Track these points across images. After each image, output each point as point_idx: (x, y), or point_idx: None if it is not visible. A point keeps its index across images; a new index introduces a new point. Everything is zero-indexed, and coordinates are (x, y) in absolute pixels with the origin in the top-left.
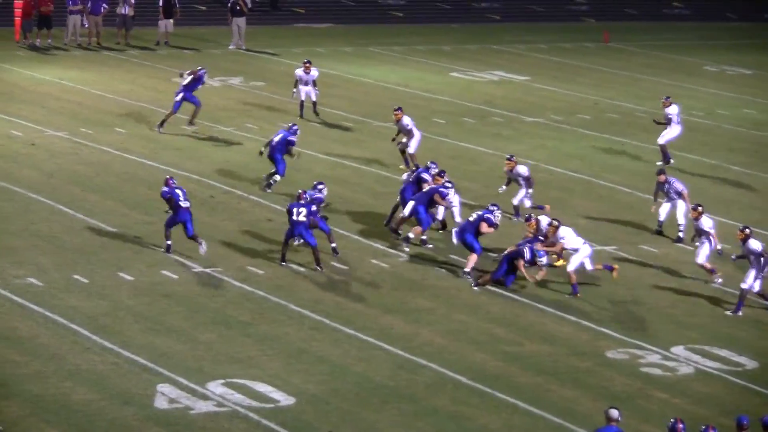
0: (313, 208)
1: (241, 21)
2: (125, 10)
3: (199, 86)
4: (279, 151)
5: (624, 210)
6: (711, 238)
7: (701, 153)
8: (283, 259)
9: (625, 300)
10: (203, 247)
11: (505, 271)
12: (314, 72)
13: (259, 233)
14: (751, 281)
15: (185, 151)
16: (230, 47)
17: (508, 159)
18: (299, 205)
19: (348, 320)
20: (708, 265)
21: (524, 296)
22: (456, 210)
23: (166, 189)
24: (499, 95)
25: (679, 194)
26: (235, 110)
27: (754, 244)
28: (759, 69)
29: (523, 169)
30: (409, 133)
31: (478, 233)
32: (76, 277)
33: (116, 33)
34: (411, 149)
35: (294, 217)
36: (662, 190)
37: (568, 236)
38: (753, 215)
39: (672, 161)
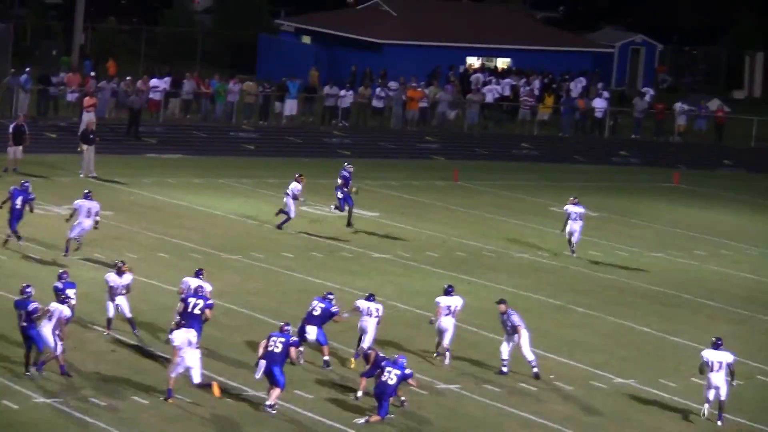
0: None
1: (91, 149)
2: None
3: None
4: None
5: (469, 348)
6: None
7: (546, 293)
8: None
9: None
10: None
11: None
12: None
13: (102, 362)
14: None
15: (27, 280)
16: (80, 175)
17: None
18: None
19: None
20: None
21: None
22: None
23: None
24: (348, 230)
25: (515, 329)
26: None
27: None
28: (604, 211)
29: None
30: None
31: (285, 361)
32: None
33: None
34: None
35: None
36: (501, 322)
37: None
38: (597, 357)
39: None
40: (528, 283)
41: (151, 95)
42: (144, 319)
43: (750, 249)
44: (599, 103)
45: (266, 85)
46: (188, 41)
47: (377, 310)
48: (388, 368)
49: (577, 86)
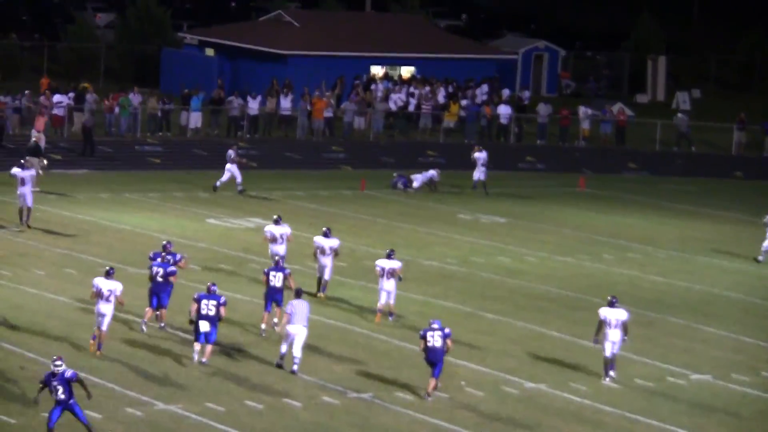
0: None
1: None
2: None
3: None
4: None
5: (380, 357)
6: None
7: (456, 300)
8: None
9: None
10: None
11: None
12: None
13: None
14: None
15: None
16: None
17: None
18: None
19: None
20: None
21: None
22: None
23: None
24: (256, 242)
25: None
26: None
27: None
28: (512, 217)
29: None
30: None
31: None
32: None
33: None
34: None
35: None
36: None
37: None
38: (508, 362)
39: None
40: (437, 291)
41: (54, 111)
42: (54, 334)
43: (656, 252)
44: (504, 110)
45: (165, 99)
46: (91, 57)
47: (281, 236)
48: (430, 333)
49: (482, 93)
